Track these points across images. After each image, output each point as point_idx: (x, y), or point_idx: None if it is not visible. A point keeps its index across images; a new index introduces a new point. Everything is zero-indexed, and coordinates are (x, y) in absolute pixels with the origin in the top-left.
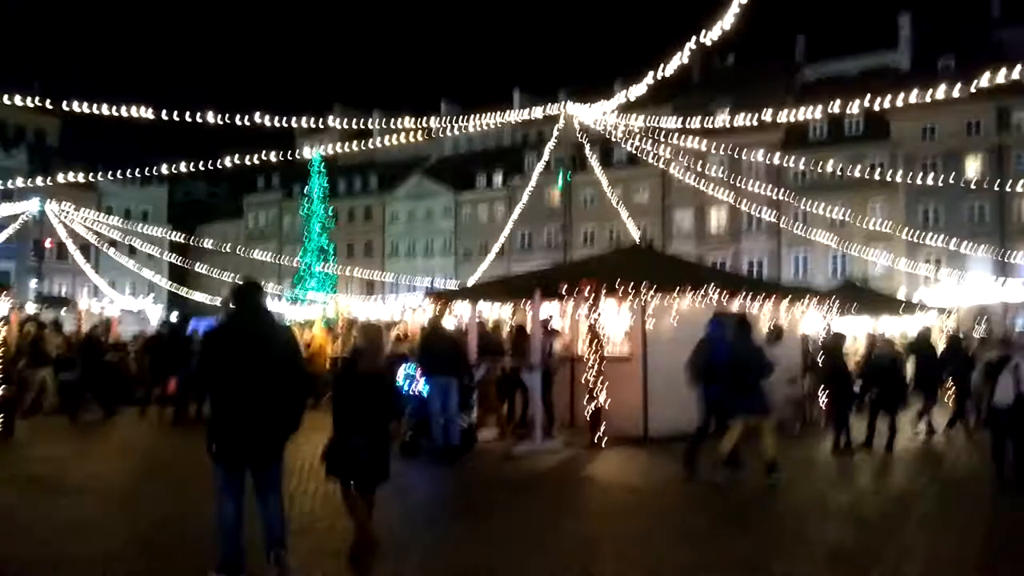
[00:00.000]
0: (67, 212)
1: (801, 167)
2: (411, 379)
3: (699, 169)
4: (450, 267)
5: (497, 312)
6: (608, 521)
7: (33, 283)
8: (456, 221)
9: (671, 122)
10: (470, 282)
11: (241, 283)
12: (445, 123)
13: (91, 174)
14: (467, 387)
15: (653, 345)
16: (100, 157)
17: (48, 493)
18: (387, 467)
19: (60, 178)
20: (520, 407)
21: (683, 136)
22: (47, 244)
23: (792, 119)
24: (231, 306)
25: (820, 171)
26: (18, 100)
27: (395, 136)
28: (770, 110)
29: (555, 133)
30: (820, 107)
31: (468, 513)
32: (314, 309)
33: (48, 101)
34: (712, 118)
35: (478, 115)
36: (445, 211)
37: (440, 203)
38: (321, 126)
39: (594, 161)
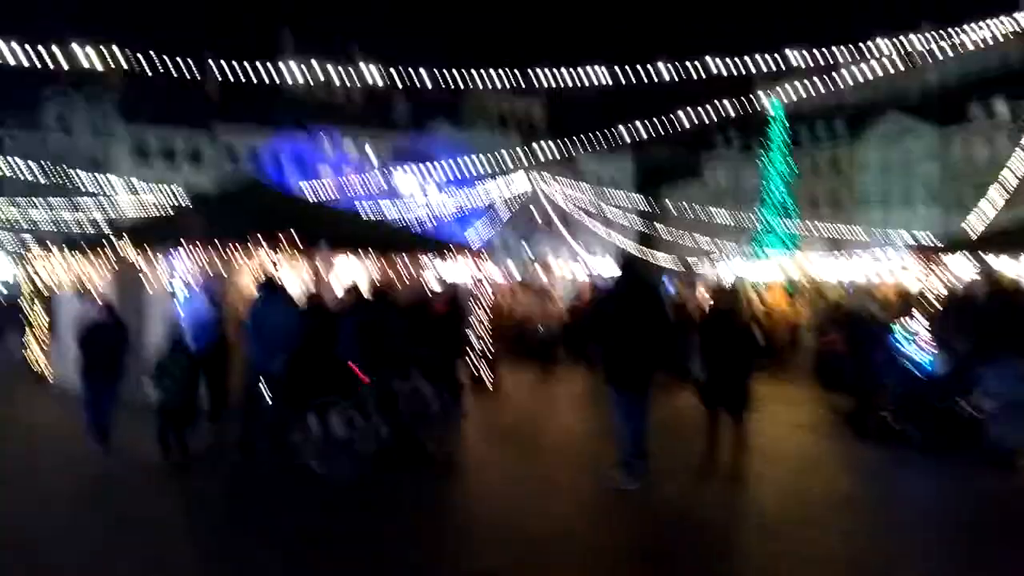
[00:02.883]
0: (549, 184)
1: None
2: (900, 346)
3: None
4: (935, 217)
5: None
6: None
7: (524, 249)
8: (943, 163)
9: None
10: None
11: (626, 257)
12: (929, 47)
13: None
14: None
15: None
16: (578, 131)
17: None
18: (746, 399)
19: (540, 156)
20: None
21: None
22: (537, 215)
23: None
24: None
25: None
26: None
27: (867, 70)
28: None
29: None
30: None
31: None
32: (773, 268)
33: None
34: None
35: (971, 31)
36: (929, 152)
37: (922, 143)
38: (780, 67)
39: None
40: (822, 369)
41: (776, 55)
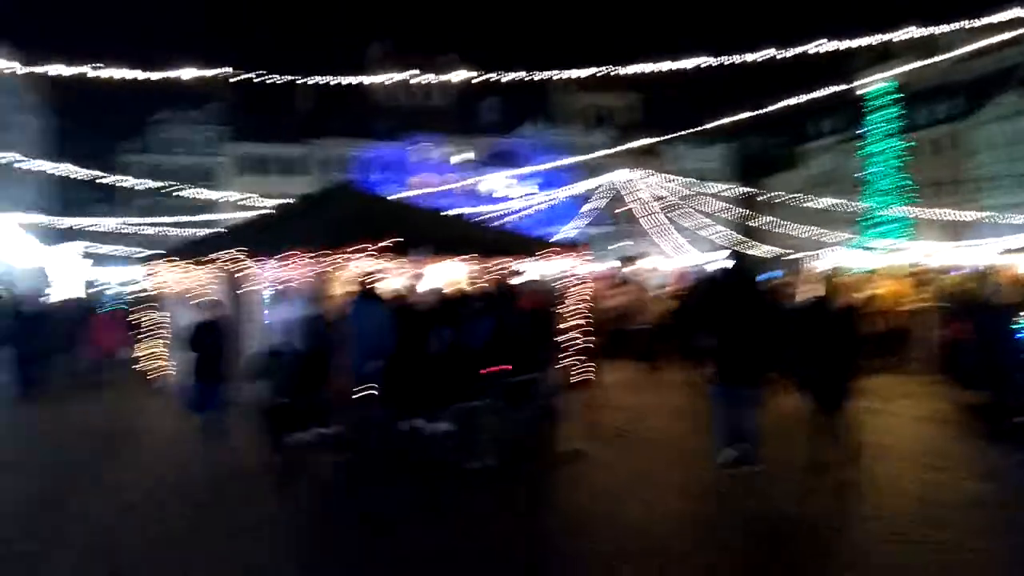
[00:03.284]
0: (640, 179)
1: None
2: None
3: None
4: None
5: None
6: None
7: (612, 245)
8: None
9: None
10: None
11: (730, 251)
12: None
13: (655, 139)
14: None
15: None
16: (672, 124)
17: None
18: (844, 394)
19: (627, 146)
20: None
21: None
22: (624, 209)
23: None
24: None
25: None
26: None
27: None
28: None
29: None
30: None
31: None
32: (881, 258)
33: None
34: None
35: None
36: None
37: None
38: (886, 45)
39: None
40: (947, 360)
41: (881, 32)
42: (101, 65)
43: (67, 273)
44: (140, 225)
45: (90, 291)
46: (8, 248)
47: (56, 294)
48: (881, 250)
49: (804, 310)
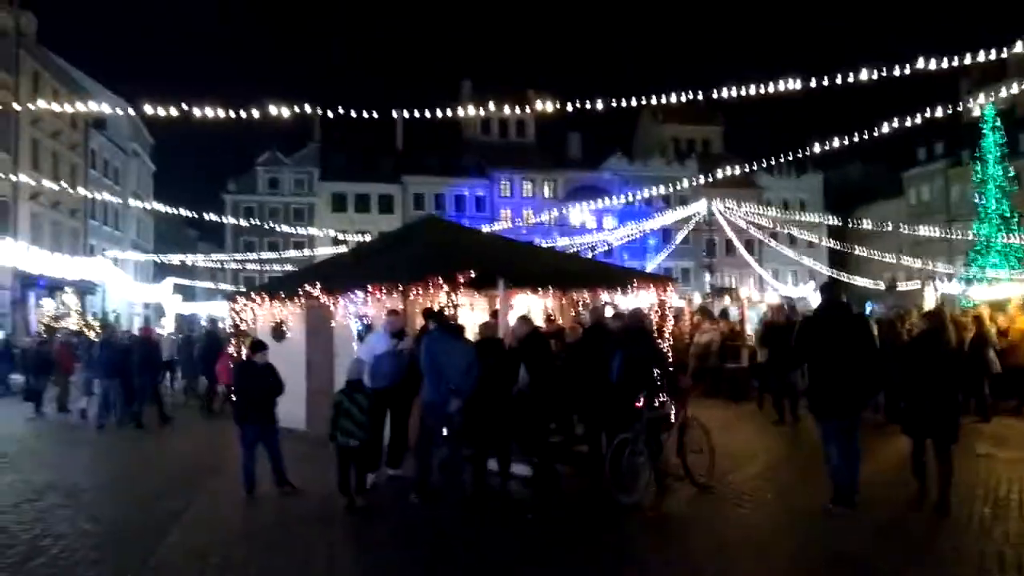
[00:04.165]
0: (731, 210)
1: None
2: None
3: None
4: None
5: None
6: None
7: (707, 277)
8: None
9: None
10: None
11: (827, 281)
12: None
13: (745, 169)
14: None
15: None
16: (759, 154)
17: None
18: (956, 429)
19: (719, 176)
20: None
21: None
22: (714, 240)
23: None
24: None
25: None
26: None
27: None
28: None
29: None
30: None
31: None
32: (1001, 287)
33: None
34: None
35: None
36: None
37: None
38: (994, 63)
39: None
40: None
41: (988, 51)
42: (200, 107)
43: (169, 308)
44: (240, 262)
45: (193, 327)
46: (120, 285)
47: (168, 327)
48: (996, 281)
49: (912, 345)
